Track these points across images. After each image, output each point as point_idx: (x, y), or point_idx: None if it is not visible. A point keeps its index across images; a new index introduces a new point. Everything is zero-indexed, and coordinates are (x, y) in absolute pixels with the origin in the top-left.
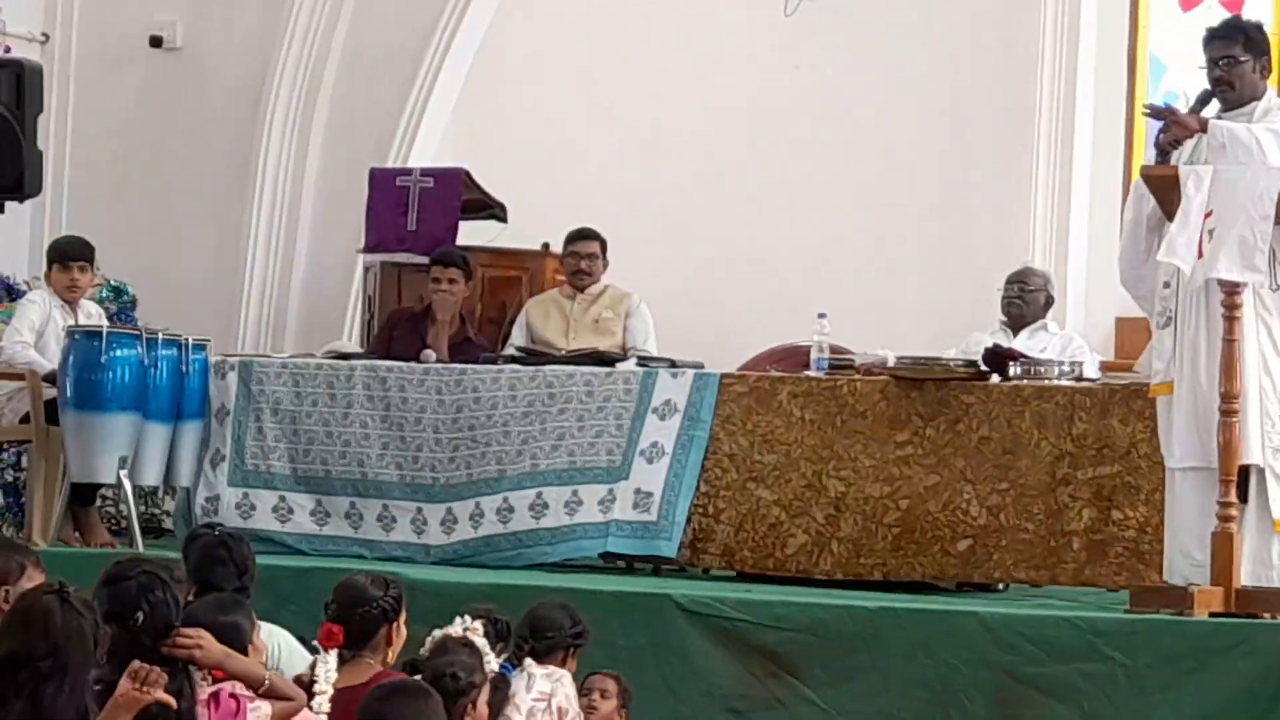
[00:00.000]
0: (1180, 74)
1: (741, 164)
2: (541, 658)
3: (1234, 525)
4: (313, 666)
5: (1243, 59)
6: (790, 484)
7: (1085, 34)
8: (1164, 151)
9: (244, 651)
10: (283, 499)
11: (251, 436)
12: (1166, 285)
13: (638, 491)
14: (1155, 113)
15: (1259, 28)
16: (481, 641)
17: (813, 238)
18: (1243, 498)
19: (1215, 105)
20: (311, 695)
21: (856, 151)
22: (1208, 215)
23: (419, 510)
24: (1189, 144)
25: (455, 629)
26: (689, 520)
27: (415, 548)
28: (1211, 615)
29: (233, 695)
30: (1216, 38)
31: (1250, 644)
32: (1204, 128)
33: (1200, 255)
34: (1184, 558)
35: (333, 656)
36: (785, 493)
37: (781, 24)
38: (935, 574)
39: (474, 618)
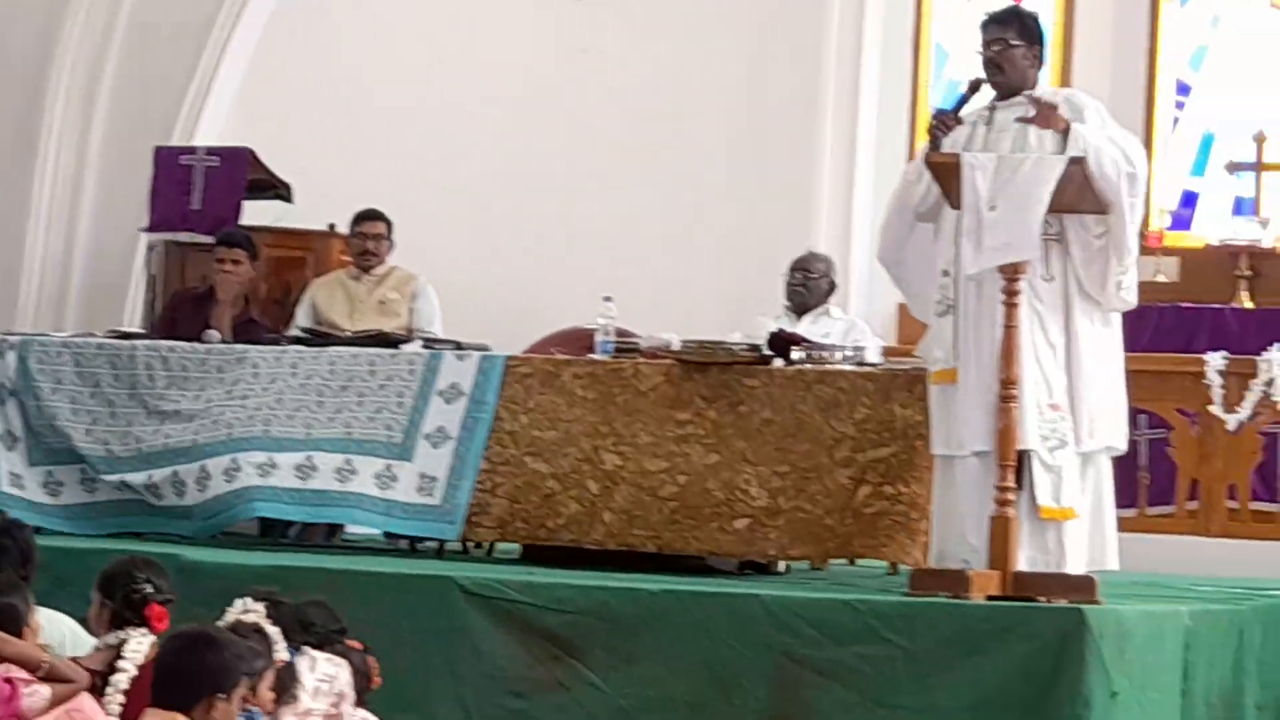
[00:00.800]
0: (961, 61)
1: (530, 147)
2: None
3: (1011, 509)
4: (117, 646)
5: (1015, 44)
6: (567, 457)
7: (870, 21)
8: (935, 140)
9: (19, 634)
10: (83, 472)
11: (35, 415)
12: (946, 274)
13: (422, 475)
14: (940, 118)
15: (1034, 17)
16: (273, 629)
17: (602, 221)
18: (1020, 484)
19: (988, 92)
20: (112, 673)
21: (645, 136)
22: (993, 209)
23: (175, 473)
24: (963, 132)
25: (236, 612)
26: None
27: (179, 509)
28: (989, 599)
29: (7, 679)
30: (992, 22)
31: (1026, 627)
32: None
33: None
34: (960, 543)
35: (148, 639)
36: (561, 465)
37: (570, 7)
38: (711, 549)
39: (255, 600)
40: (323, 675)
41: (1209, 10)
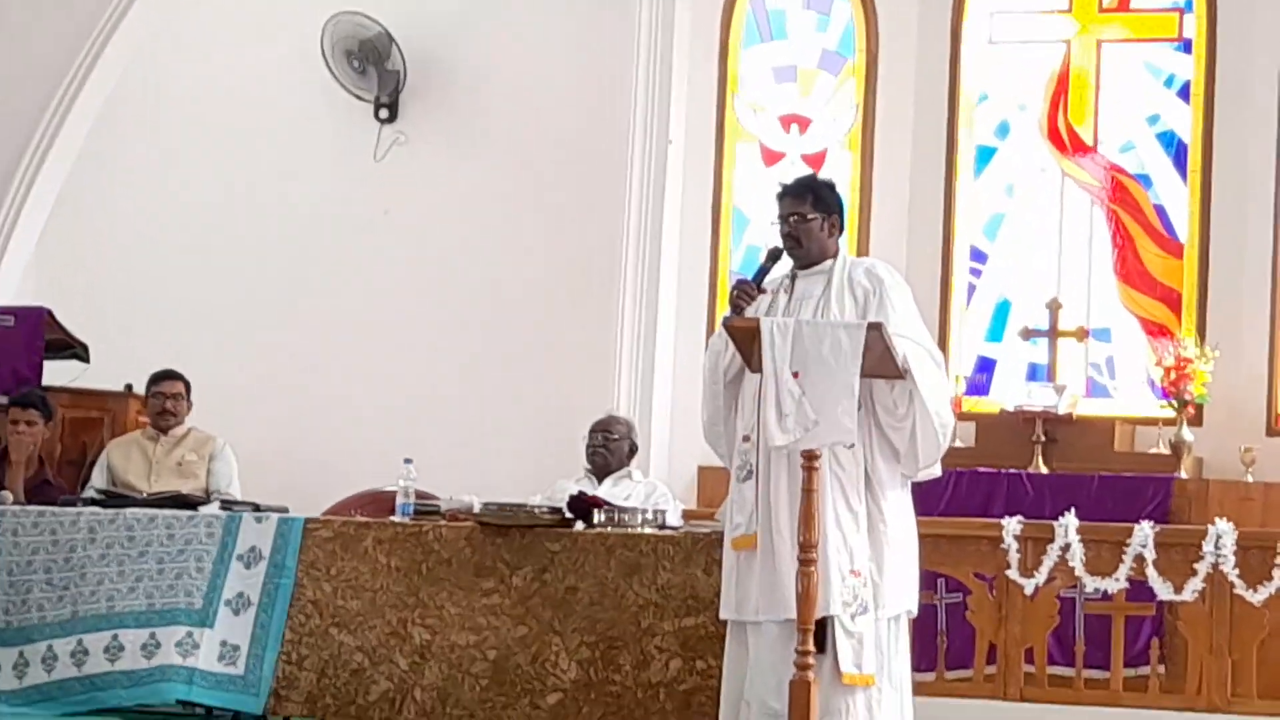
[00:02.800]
0: (761, 227)
1: (331, 307)
2: None
3: (811, 674)
4: None
5: (811, 217)
6: (374, 630)
7: (671, 186)
8: (737, 308)
9: None
10: None
11: None
12: (746, 439)
13: (224, 644)
14: (741, 287)
15: (830, 186)
16: None
17: (402, 382)
18: (820, 648)
19: (787, 261)
20: None
21: (447, 295)
22: (795, 375)
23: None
24: (765, 301)
25: None
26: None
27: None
28: None
29: None
30: (787, 194)
31: None
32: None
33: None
34: (760, 708)
35: None
36: (368, 639)
37: (371, 168)
38: None
39: None
40: None
41: (1003, 179)
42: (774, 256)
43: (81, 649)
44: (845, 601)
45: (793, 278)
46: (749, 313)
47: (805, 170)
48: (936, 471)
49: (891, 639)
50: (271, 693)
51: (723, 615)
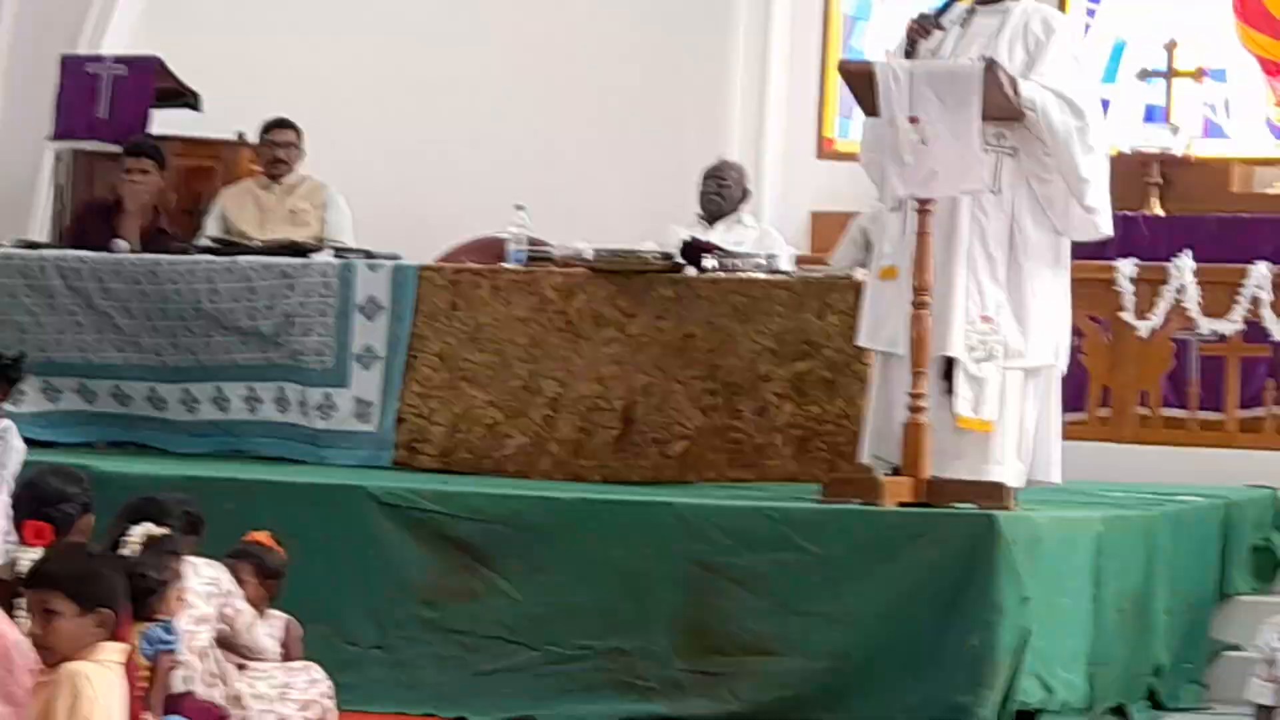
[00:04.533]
0: None
1: (440, 55)
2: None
3: (924, 415)
4: (12, 563)
5: None
6: (505, 384)
7: None
8: (912, 42)
9: None
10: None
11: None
12: None
13: (358, 401)
14: (920, 22)
15: None
16: (175, 538)
17: (513, 129)
18: (950, 389)
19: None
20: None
21: (555, 43)
22: (914, 120)
23: (152, 389)
24: (936, 36)
25: (147, 529)
26: (402, 421)
27: (156, 422)
28: (901, 505)
29: None
30: None
31: (937, 533)
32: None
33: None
34: (894, 442)
35: (38, 551)
36: (500, 393)
37: None
38: (654, 476)
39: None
40: (206, 579)
41: None
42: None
43: (223, 395)
44: (970, 346)
45: (970, 12)
46: (922, 48)
47: None
48: (1103, 229)
49: (1023, 389)
50: (404, 445)
51: (860, 342)
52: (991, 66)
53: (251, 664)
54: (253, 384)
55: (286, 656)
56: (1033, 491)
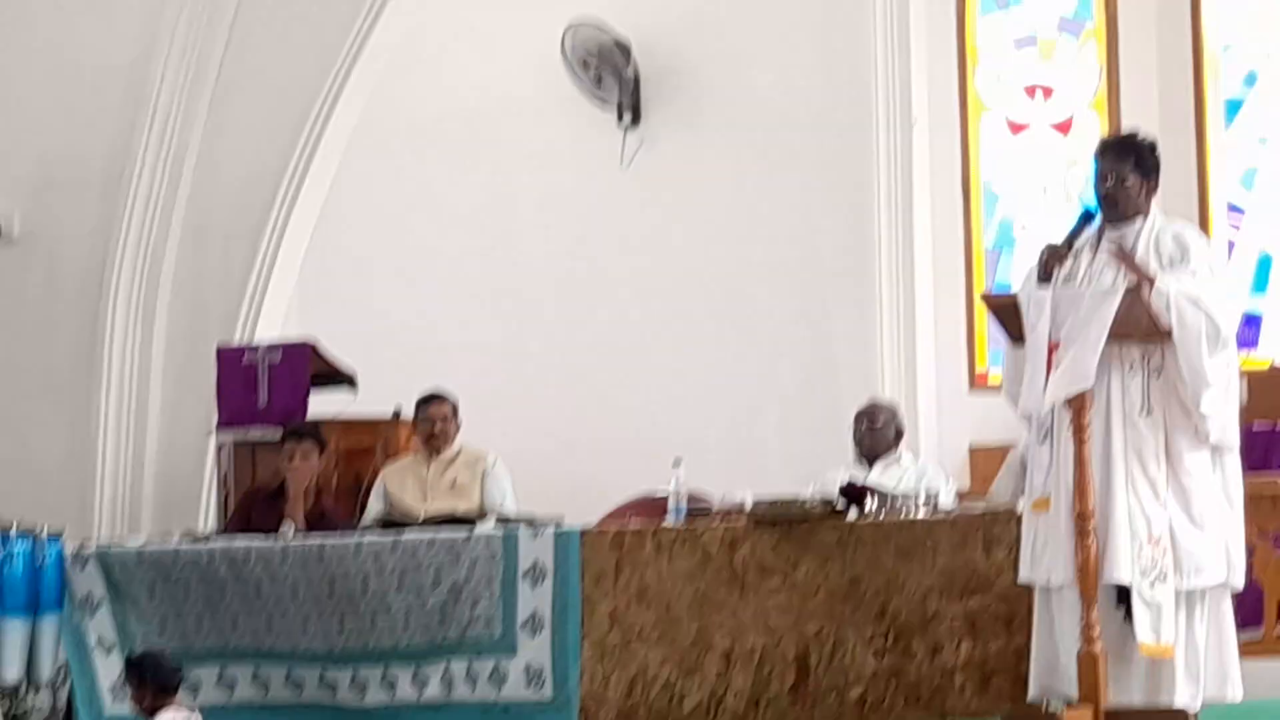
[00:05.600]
0: (1011, 199)
1: (587, 314)
2: None
3: (1098, 645)
4: None
5: (1129, 181)
6: (675, 641)
7: (918, 165)
8: (1048, 271)
9: None
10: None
11: (135, 621)
12: None
13: (528, 669)
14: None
15: (1152, 147)
16: None
17: (665, 382)
18: (1128, 616)
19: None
20: None
21: (701, 293)
22: (1055, 347)
23: (322, 674)
24: (1069, 263)
25: None
26: (579, 687)
27: (328, 709)
28: None
29: None
30: (1109, 152)
31: None
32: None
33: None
34: (1063, 676)
35: None
36: (672, 651)
37: (620, 174)
38: None
39: None
40: None
41: (1255, 130)
42: (1087, 218)
43: (390, 677)
44: (1144, 569)
45: (1100, 235)
46: (1058, 275)
47: (1120, 133)
48: (1229, 441)
49: (1201, 610)
50: (581, 711)
51: (1021, 579)
52: (1134, 290)
53: None
54: (420, 664)
55: None
56: (1213, 710)
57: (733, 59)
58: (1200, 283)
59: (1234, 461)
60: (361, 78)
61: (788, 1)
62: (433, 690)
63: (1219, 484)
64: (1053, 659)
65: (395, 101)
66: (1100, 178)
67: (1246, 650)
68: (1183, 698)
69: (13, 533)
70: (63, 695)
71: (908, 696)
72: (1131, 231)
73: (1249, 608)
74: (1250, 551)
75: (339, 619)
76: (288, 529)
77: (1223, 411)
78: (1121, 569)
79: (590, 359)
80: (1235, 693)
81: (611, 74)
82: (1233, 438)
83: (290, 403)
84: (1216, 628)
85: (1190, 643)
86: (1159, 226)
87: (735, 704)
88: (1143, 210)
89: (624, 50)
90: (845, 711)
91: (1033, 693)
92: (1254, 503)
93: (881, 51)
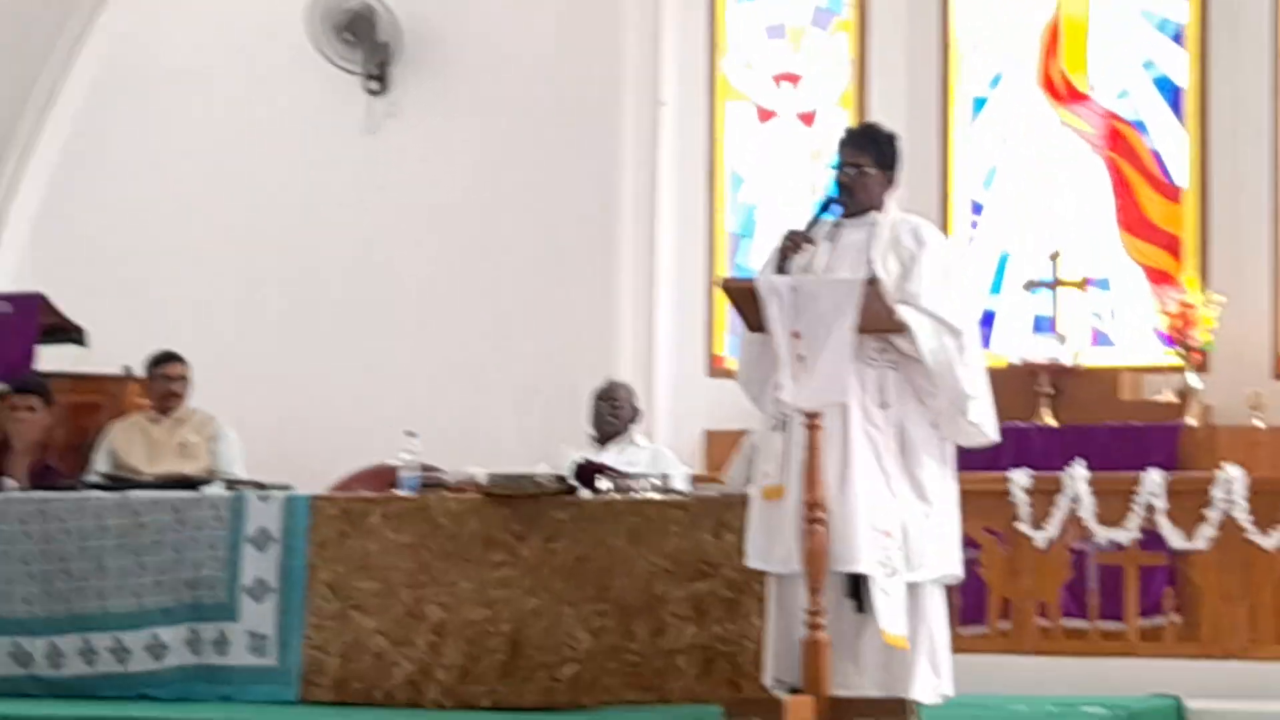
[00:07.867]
0: (755, 186)
1: (325, 281)
2: None
3: (823, 633)
4: None
5: (869, 171)
6: (391, 611)
7: (664, 147)
8: (784, 258)
9: None
10: None
11: None
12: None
13: (252, 635)
14: (792, 237)
15: (892, 139)
16: None
17: (402, 354)
18: (860, 607)
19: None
20: None
21: (442, 266)
22: (796, 335)
23: (15, 643)
24: (808, 251)
25: None
26: (303, 654)
27: (22, 679)
28: None
29: None
30: (849, 143)
31: None
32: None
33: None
34: (795, 663)
35: None
36: (385, 620)
37: (359, 139)
38: (544, 701)
39: None
40: None
41: (998, 130)
42: (826, 207)
43: (122, 646)
44: (881, 561)
45: (837, 225)
46: (795, 263)
47: (862, 124)
48: (990, 435)
49: (931, 602)
50: (302, 679)
51: (750, 563)
52: (873, 283)
53: None
54: (136, 630)
55: None
56: (937, 709)
57: (484, 32)
58: (938, 288)
59: (953, 450)
60: (104, 33)
61: None
62: (145, 657)
63: (946, 477)
64: (785, 647)
65: (140, 52)
66: (839, 168)
67: (971, 645)
68: (922, 689)
69: None
70: None
71: (627, 678)
72: (867, 225)
73: (973, 604)
74: (976, 548)
75: (50, 581)
76: (10, 483)
77: (989, 411)
78: (860, 559)
79: (325, 329)
80: (948, 687)
81: (362, 39)
82: (993, 433)
83: (17, 355)
84: (927, 622)
85: (926, 634)
86: (897, 220)
87: (446, 677)
88: (879, 204)
89: (374, 15)
90: (557, 689)
91: (768, 680)
92: (981, 499)
93: (633, 32)
